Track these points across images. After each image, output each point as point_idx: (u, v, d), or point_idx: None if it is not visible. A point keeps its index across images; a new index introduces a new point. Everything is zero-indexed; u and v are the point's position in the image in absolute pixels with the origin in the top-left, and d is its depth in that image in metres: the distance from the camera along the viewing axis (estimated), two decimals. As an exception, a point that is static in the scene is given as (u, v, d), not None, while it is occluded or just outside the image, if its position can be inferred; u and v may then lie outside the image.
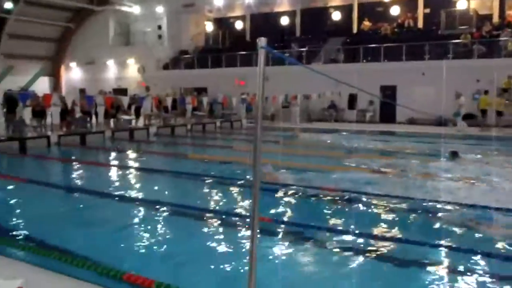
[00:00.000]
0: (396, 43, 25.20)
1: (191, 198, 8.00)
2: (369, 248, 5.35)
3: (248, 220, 6.34)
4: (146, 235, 6.00)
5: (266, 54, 2.45)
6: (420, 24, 27.78)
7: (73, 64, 37.39)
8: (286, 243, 5.56)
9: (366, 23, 29.08)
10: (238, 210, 7.23)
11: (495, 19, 25.75)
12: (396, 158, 12.34)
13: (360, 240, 5.62)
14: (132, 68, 34.39)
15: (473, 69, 21.99)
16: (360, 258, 5.05)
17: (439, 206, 7.03)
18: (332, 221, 6.55)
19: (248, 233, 5.83)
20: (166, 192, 8.91)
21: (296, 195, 8.06)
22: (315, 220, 6.42)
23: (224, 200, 7.96)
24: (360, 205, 7.34)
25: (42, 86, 33.08)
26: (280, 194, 8.03)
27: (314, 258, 5.13)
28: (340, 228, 6.16)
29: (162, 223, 6.67)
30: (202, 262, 5.05)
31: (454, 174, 9.71)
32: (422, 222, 6.49)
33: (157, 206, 7.33)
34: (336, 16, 30.09)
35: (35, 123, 16.91)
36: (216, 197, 8.36)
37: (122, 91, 30.75)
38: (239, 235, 6.04)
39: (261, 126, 2.48)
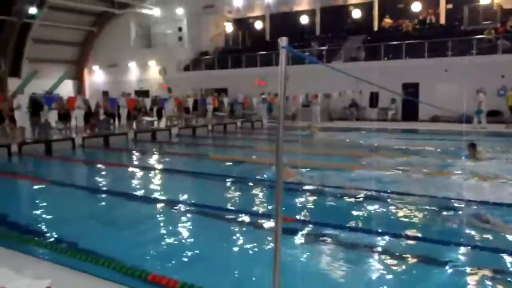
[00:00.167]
0: (418, 40, 24.84)
1: (213, 198, 8.03)
2: (391, 246, 5.31)
3: (270, 219, 6.35)
4: (170, 235, 6.05)
5: (287, 53, 2.45)
6: (442, 20, 27.32)
7: (95, 67, 37.98)
8: (308, 242, 5.55)
9: (387, 20, 28.75)
10: (260, 210, 7.24)
11: (520, 13, 25.18)
12: (418, 156, 12.20)
13: (382, 239, 5.57)
14: (154, 70, 34.74)
15: (498, 64, 21.53)
16: (382, 257, 5.01)
17: (461, 204, 6.91)
18: (354, 220, 6.50)
19: (271, 232, 5.84)
20: (188, 193, 8.96)
21: (317, 194, 8.04)
22: (337, 219, 6.38)
23: (245, 200, 7.98)
24: (382, 203, 7.28)
25: (66, 89, 33.71)
26: (301, 193, 8.02)
27: (336, 257, 5.10)
28: (361, 227, 6.11)
29: (186, 223, 6.72)
30: (225, 262, 5.08)
31: (476, 172, 9.54)
32: (444, 221, 6.39)
33: (180, 207, 7.41)
34: (356, 14, 29.82)
35: (60, 126, 17.25)
36: (238, 197, 8.38)
37: (144, 93, 31.11)
38: (262, 234, 6.05)
39: (283, 126, 2.49)
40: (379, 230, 5.79)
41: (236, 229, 6.38)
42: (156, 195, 8.71)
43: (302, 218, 6.63)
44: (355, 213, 6.89)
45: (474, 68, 20.82)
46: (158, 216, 7.20)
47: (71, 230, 6.15)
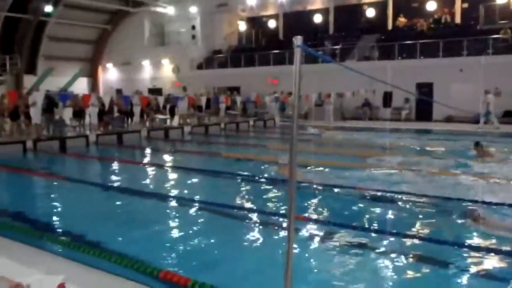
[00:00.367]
0: (432, 39, 24.62)
1: (226, 196, 8.05)
2: (402, 247, 5.28)
3: (282, 218, 6.35)
4: (182, 233, 6.08)
5: (301, 52, 2.44)
6: (457, 19, 27.02)
7: (109, 65, 38.25)
8: (320, 241, 5.54)
9: (402, 19, 28.53)
10: (272, 209, 7.23)
11: (538, 12, 24.79)
12: (430, 156, 12.11)
13: (392, 239, 5.54)
14: (167, 68, 34.89)
15: (514, 65, 21.24)
16: (393, 257, 4.98)
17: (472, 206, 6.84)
18: (364, 220, 6.46)
19: (283, 231, 5.84)
20: (201, 191, 9.00)
21: (329, 194, 8.02)
22: (347, 219, 6.35)
23: (257, 198, 7.96)
24: (392, 204, 7.23)
25: (80, 86, 33.97)
26: (312, 192, 8.00)
27: (346, 257, 5.07)
28: (371, 226, 6.07)
29: (198, 221, 6.75)
30: (237, 260, 5.08)
31: (487, 173, 9.46)
32: (455, 222, 6.32)
33: (192, 204, 7.45)
34: (370, 12, 29.63)
35: (75, 123, 17.41)
36: (250, 196, 8.38)
37: (157, 91, 31.26)
38: (274, 233, 6.05)
39: (297, 125, 2.48)
40: (387, 230, 5.76)
41: (248, 228, 6.38)
42: (169, 192, 8.76)
43: (315, 217, 6.61)
44: (362, 212, 6.86)
45: (490, 68, 20.56)
46: (170, 213, 7.24)
47: (85, 226, 6.19)
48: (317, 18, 31.00)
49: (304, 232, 5.76)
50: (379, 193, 7.77)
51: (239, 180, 9.50)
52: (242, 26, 34.90)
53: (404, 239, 5.59)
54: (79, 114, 17.38)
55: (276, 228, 6.21)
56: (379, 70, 20.46)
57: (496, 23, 24.31)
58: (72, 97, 17.73)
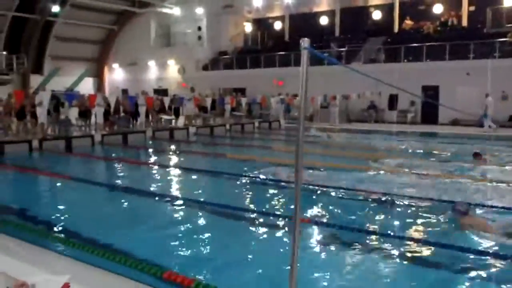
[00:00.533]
0: (439, 42, 24.55)
1: (230, 197, 8.04)
2: (407, 251, 5.26)
3: (287, 220, 6.34)
4: (186, 233, 6.08)
5: (308, 54, 2.44)
6: (464, 22, 26.91)
7: (115, 65, 38.38)
8: (325, 244, 5.53)
9: (408, 22, 28.47)
10: (277, 210, 7.23)
11: (545, 16, 24.66)
12: (434, 159, 12.08)
13: (398, 243, 5.52)
14: (172, 69, 34.97)
15: (521, 68, 21.14)
16: (398, 261, 4.97)
17: (478, 210, 6.81)
18: (369, 223, 6.44)
19: (287, 233, 5.83)
20: (205, 191, 8.99)
21: (333, 196, 8.01)
22: (352, 222, 6.34)
23: (262, 200, 7.95)
24: (398, 207, 7.21)
25: (86, 86, 34.12)
26: (317, 195, 7.99)
27: (352, 260, 5.06)
28: (377, 230, 6.05)
29: (202, 222, 6.75)
30: (241, 262, 5.08)
31: (491, 177, 9.44)
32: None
33: (196, 205, 7.45)
34: (377, 15, 29.58)
35: (80, 123, 17.48)
36: (254, 197, 8.37)
37: (163, 92, 31.34)
38: (278, 235, 6.05)
39: (303, 127, 2.48)
40: (394, 234, 5.75)
41: (252, 229, 6.38)
42: (173, 193, 8.79)
43: (319, 219, 6.60)
44: (366, 215, 6.83)
45: (496, 72, 20.47)
46: (174, 214, 7.24)
47: (89, 226, 6.22)
48: (323, 20, 30.99)
49: (308, 234, 5.75)
50: (382, 196, 7.74)
51: (243, 181, 9.50)
52: (248, 27, 34.94)
53: (409, 242, 5.57)
54: (85, 114, 17.46)
55: (280, 229, 6.20)
56: (385, 73, 20.35)
57: (503, 27, 24.19)
58: (78, 97, 17.81)
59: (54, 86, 27.97)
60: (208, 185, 9.79)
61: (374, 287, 4.48)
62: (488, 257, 5.07)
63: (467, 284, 4.50)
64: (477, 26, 25.75)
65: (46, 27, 33.25)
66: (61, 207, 7.66)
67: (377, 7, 29.82)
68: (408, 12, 28.75)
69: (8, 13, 30.72)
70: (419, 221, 6.50)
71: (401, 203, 7.38)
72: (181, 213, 7.30)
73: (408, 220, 6.54)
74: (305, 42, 2.36)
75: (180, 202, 7.92)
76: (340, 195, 8.05)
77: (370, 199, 7.66)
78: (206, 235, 6.09)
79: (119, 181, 10.11)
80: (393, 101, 24.92)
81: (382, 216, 6.77)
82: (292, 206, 2.55)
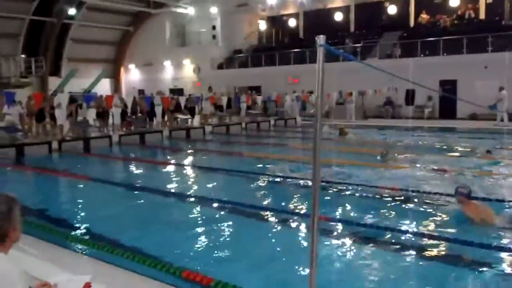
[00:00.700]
0: (456, 35, 24.19)
1: (247, 196, 8.04)
2: (426, 247, 5.21)
3: (304, 218, 6.32)
4: (205, 233, 6.10)
5: (324, 51, 2.42)
6: (482, 15, 26.48)
7: (132, 66, 38.68)
8: (343, 242, 5.50)
9: (424, 16, 28.12)
10: (294, 208, 7.21)
11: None
12: (452, 155, 11.92)
13: (417, 239, 5.47)
14: (188, 69, 35.12)
15: (541, 60, 20.72)
16: (418, 258, 4.93)
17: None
18: (387, 220, 6.38)
19: (305, 231, 5.82)
20: (223, 190, 9.02)
21: (351, 194, 7.96)
22: (371, 219, 6.30)
23: (280, 198, 7.94)
24: (415, 203, 7.13)
25: (103, 88, 34.48)
26: (334, 192, 7.95)
27: (371, 257, 5.03)
28: (395, 227, 6.00)
29: (220, 221, 6.75)
30: (258, 260, 5.08)
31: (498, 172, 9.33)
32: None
33: (214, 204, 7.47)
34: (392, 10, 29.23)
35: (98, 124, 17.68)
36: (271, 195, 8.37)
37: (179, 91, 31.50)
38: (296, 233, 6.04)
39: (321, 124, 2.47)
40: (413, 230, 5.69)
41: (271, 228, 6.38)
42: (191, 192, 8.82)
43: (338, 217, 6.57)
44: (387, 212, 6.77)
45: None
46: (193, 213, 7.28)
47: (109, 225, 6.29)
48: (338, 16, 30.76)
49: (326, 232, 5.72)
50: (397, 192, 7.68)
51: (260, 179, 9.50)
52: (262, 25, 34.89)
53: (426, 239, 5.51)
54: (102, 115, 17.65)
55: (298, 227, 6.19)
56: (402, 68, 19.91)
57: (521, 18, 23.78)
58: (96, 98, 18.01)
59: (71, 88, 28.36)
60: (225, 184, 9.81)
61: (391, 284, 4.45)
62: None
63: (486, 280, 4.43)
64: (495, 19, 25.33)
65: (63, 29, 33.68)
66: (81, 207, 7.76)
67: (392, 1, 29.46)
68: (424, 6, 28.40)
69: (26, 17, 31.21)
70: (435, 217, 6.42)
71: (417, 199, 7.31)
72: (199, 212, 7.33)
73: (425, 216, 6.47)
74: (320, 39, 2.35)
75: (197, 201, 7.95)
76: (356, 192, 8.01)
77: (387, 195, 7.59)
78: (224, 233, 6.11)
79: (137, 181, 10.19)
80: (409, 96, 24.64)
81: (399, 213, 6.71)
82: (310, 204, 2.54)
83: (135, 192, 8.93)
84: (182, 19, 35.79)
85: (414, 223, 6.12)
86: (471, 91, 21.59)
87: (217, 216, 7.01)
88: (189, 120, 20.93)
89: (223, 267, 4.77)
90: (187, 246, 5.51)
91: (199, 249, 5.47)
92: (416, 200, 7.33)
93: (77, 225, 6.42)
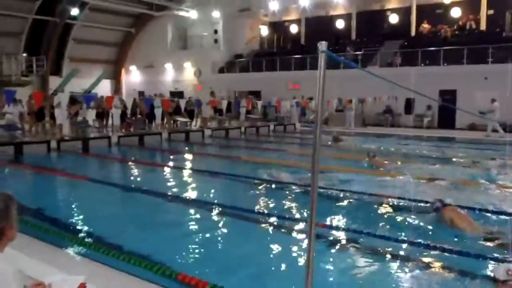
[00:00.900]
0: (456, 46, 24.27)
1: (244, 200, 8.04)
2: (420, 257, 5.21)
3: (301, 224, 6.32)
4: (201, 236, 6.10)
5: (326, 58, 2.43)
6: (482, 26, 26.55)
7: (133, 68, 38.72)
8: (339, 249, 5.50)
9: (425, 26, 28.20)
10: (292, 214, 7.20)
11: None
12: (447, 165, 11.93)
13: (412, 248, 5.47)
14: (189, 72, 35.16)
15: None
16: (412, 267, 4.92)
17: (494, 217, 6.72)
18: (382, 228, 6.38)
19: (302, 237, 5.81)
20: (220, 194, 9.03)
21: (347, 201, 7.96)
22: (366, 227, 6.29)
23: (277, 203, 7.94)
24: (409, 212, 7.13)
25: (104, 88, 34.52)
26: (330, 198, 7.96)
27: (366, 265, 5.03)
28: (390, 235, 5.99)
29: (217, 224, 6.76)
30: (255, 265, 5.08)
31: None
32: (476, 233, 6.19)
33: (211, 207, 7.46)
34: (393, 18, 29.32)
35: (98, 124, 17.68)
36: (269, 200, 8.36)
37: (179, 94, 31.52)
38: (293, 239, 6.03)
39: (320, 131, 2.47)
40: (407, 239, 5.69)
41: (267, 232, 6.38)
42: (188, 195, 8.82)
43: (334, 224, 6.57)
44: (381, 220, 6.76)
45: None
46: (189, 216, 7.27)
47: (105, 226, 6.27)
48: (340, 24, 30.85)
49: (323, 239, 5.71)
50: (392, 200, 7.70)
51: (258, 184, 9.49)
52: (264, 30, 34.96)
53: (423, 248, 5.51)
54: (102, 115, 17.65)
55: (295, 233, 6.19)
56: (402, 77, 20.13)
57: (522, 30, 23.86)
58: (96, 99, 18.02)
59: (72, 88, 28.36)
60: (223, 188, 9.81)
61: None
62: None
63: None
64: (495, 30, 25.41)
65: (65, 29, 33.79)
66: (77, 207, 7.75)
67: (393, 10, 29.59)
68: (425, 16, 28.47)
69: (29, 16, 31.28)
70: (429, 226, 6.42)
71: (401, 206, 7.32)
72: (196, 215, 7.33)
73: (420, 225, 6.47)
74: (322, 46, 2.36)
75: (195, 204, 7.95)
76: (351, 199, 8.02)
77: (381, 203, 7.60)
78: (221, 237, 6.11)
79: (135, 182, 10.19)
80: (409, 105, 24.70)
81: (394, 220, 6.71)
82: (308, 210, 2.54)
83: (133, 193, 8.92)
84: (184, 22, 35.86)
85: (395, 229, 6.13)
86: (470, 102, 21.62)
87: (213, 219, 7.01)
88: (189, 123, 20.94)
89: (218, 271, 4.76)
90: (183, 248, 5.50)
91: (195, 252, 5.46)
92: (398, 206, 7.37)
93: (73, 225, 6.41)
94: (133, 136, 17.12)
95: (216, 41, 34.94)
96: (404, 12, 28.98)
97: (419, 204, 7.28)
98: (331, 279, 4.63)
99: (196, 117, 21.73)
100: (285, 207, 7.67)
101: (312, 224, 2.41)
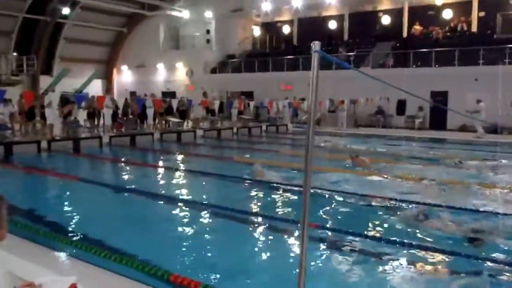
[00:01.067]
0: (448, 47, 24.43)
1: (236, 200, 8.00)
2: (413, 258, 5.23)
3: (294, 224, 6.31)
4: (193, 236, 6.08)
5: (319, 57, 2.42)
6: (474, 28, 26.74)
7: (124, 67, 38.54)
8: (332, 249, 5.50)
9: (417, 27, 28.35)
10: (284, 214, 7.20)
11: (556, 22, 24.49)
12: (437, 165, 11.99)
13: (403, 249, 5.48)
14: (181, 72, 35.07)
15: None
16: (404, 268, 4.94)
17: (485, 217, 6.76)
18: (374, 229, 6.39)
19: (295, 237, 5.81)
20: (211, 194, 8.99)
21: (339, 202, 7.97)
22: (358, 227, 6.30)
23: (269, 204, 7.94)
24: (399, 213, 7.15)
25: (95, 88, 34.30)
26: (321, 199, 7.96)
27: (358, 266, 5.03)
28: (382, 236, 6.01)
29: (208, 225, 6.75)
30: (247, 265, 5.06)
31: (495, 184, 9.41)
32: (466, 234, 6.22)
33: (203, 208, 7.44)
34: (386, 20, 29.42)
35: (89, 124, 17.58)
36: (261, 200, 8.36)
37: (171, 94, 31.42)
38: (285, 239, 6.03)
39: (313, 131, 2.46)
40: (399, 240, 5.71)
41: (259, 233, 6.37)
42: (180, 195, 8.78)
43: (326, 224, 6.57)
44: (370, 220, 6.77)
45: (506, 78, 20.31)
46: (181, 216, 7.25)
47: (96, 227, 6.23)
48: (332, 25, 30.92)
49: (315, 239, 5.71)
50: (385, 201, 7.72)
51: (250, 185, 9.48)
52: (257, 31, 34.98)
53: (414, 249, 5.53)
54: (93, 115, 17.55)
55: (287, 234, 6.18)
56: (394, 78, 20.13)
57: (513, 32, 24.05)
58: (87, 99, 17.91)
59: (63, 88, 28.15)
60: (215, 188, 9.78)
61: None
62: None
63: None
64: (487, 32, 25.61)
65: (56, 28, 33.51)
66: (68, 208, 7.70)
67: (386, 12, 29.70)
68: (417, 17, 28.61)
69: (19, 15, 31.01)
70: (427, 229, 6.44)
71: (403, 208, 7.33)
72: (188, 215, 7.31)
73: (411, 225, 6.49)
74: (316, 45, 2.36)
75: (186, 204, 7.92)
76: (343, 200, 8.03)
77: (374, 204, 7.62)
78: (212, 238, 6.08)
79: (126, 183, 10.14)
80: (401, 106, 24.83)
81: (385, 222, 6.72)
82: (300, 210, 2.53)
83: (124, 194, 8.88)
84: (176, 22, 35.76)
85: (400, 232, 6.14)
86: (461, 103, 21.75)
87: (205, 220, 6.99)
88: (180, 123, 20.88)
89: (210, 271, 4.74)
90: (175, 249, 5.48)
91: (187, 253, 5.43)
92: (379, 205, 7.43)
93: (64, 225, 6.35)
94: (124, 136, 17.03)
95: (208, 41, 34.89)
96: (396, 14, 29.10)
97: (403, 204, 7.35)
98: (322, 279, 4.63)
99: (188, 118, 21.67)
100: (277, 207, 7.66)
101: (305, 224, 2.40)
